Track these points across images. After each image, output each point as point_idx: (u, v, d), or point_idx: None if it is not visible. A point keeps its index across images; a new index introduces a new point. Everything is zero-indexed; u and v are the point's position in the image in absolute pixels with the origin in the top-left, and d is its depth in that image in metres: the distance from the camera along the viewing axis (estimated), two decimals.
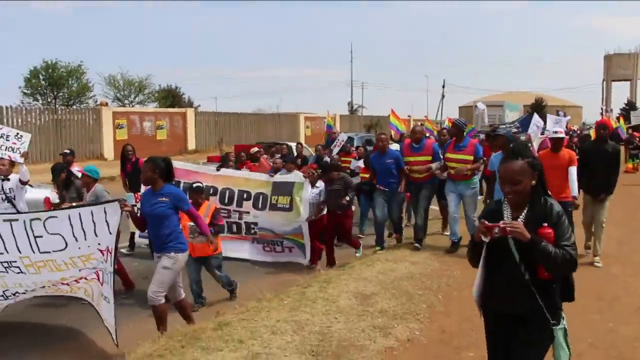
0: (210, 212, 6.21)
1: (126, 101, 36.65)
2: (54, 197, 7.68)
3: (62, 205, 6.77)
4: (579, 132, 25.18)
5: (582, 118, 68.69)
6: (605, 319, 5.03)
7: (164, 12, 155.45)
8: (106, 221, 4.70)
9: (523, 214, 2.65)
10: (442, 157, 7.60)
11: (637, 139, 20.15)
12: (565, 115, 14.99)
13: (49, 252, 4.82)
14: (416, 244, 7.57)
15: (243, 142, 23.66)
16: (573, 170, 6.55)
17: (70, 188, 7.06)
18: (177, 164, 7.62)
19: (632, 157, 19.68)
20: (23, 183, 6.91)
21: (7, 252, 4.86)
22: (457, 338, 4.57)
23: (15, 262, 4.88)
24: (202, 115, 32.11)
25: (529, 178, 2.61)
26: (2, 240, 4.85)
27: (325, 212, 7.70)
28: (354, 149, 12.15)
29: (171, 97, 40.17)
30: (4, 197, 6.75)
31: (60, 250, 4.80)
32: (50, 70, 32.60)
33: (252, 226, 8.08)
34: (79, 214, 4.77)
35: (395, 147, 9.32)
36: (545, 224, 2.57)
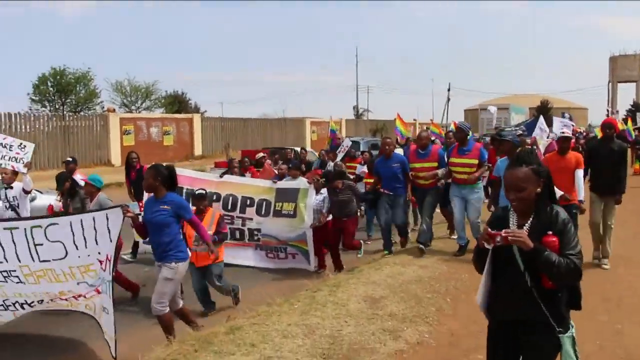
0: (215, 220, 6.24)
1: (133, 107, 36.83)
2: (58, 206, 7.70)
3: None
4: (585, 134, 25.10)
5: (588, 120, 68.41)
6: (613, 320, 5.06)
7: (166, 13, 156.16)
8: (108, 228, 4.64)
9: (529, 221, 2.63)
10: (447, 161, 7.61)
11: None
12: (571, 119, 14.95)
13: (49, 261, 4.76)
14: (421, 246, 7.54)
15: (249, 148, 23.74)
16: (580, 174, 6.54)
17: (75, 198, 6.99)
18: (181, 171, 7.62)
19: (639, 159, 19.61)
20: (26, 192, 6.97)
21: (7, 261, 4.81)
22: (466, 340, 4.63)
23: (15, 271, 4.83)
24: (208, 120, 32.21)
25: (533, 185, 2.59)
26: (2, 248, 4.81)
27: (330, 218, 7.72)
28: (359, 153, 12.15)
29: (177, 103, 40.24)
30: (7, 205, 6.82)
31: (59, 259, 4.74)
32: (58, 77, 32.79)
33: (256, 232, 8.09)
34: (81, 220, 4.72)
35: (399, 152, 9.34)
36: (550, 232, 2.54)
